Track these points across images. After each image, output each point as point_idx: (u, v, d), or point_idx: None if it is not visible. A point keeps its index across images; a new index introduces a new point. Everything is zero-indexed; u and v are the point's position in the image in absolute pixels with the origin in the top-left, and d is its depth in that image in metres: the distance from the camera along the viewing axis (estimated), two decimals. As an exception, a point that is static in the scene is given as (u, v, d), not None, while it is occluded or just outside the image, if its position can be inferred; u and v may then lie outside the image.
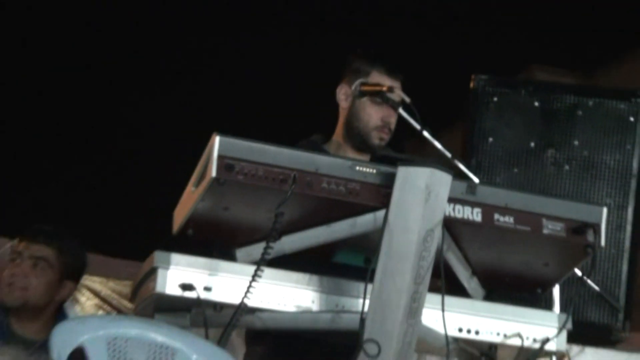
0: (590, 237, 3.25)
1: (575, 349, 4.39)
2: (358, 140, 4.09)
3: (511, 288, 3.51)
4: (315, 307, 3.20)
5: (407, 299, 2.83)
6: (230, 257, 3.22)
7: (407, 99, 3.95)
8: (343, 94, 4.13)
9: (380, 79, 4.08)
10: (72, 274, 4.60)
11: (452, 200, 3.03)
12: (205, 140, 3.14)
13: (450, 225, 3.11)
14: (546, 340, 3.31)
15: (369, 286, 2.90)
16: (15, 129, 11.43)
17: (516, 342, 3.35)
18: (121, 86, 9.83)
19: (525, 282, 3.49)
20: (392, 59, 4.23)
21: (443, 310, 3.14)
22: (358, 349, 2.84)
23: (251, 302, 3.06)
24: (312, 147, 3.76)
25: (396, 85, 4.08)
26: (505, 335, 3.34)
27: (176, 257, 3.11)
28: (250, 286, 3.01)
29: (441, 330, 3.17)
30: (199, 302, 3.11)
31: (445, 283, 3.16)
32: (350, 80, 4.14)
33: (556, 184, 4.14)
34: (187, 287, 3.08)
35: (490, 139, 4.38)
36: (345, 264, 3.40)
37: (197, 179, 3.15)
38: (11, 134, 11.73)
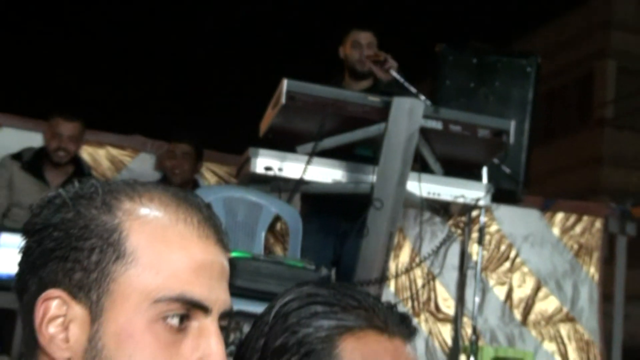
0: (504, 138, 4.38)
1: (494, 205, 5.10)
2: (353, 74, 4.83)
3: (459, 168, 4.61)
4: (344, 180, 4.32)
5: (399, 175, 3.90)
6: (294, 150, 4.32)
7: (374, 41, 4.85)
8: (342, 52, 4.92)
9: (356, 34, 4.88)
10: (199, 159, 5.51)
11: (424, 116, 4.05)
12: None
13: (423, 131, 4.11)
14: (479, 199, 4.49)
15: (376, 168, 4.00)
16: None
17: (461, 200, 4.52)
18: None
19: (467, 165, 4.66)
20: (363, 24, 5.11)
21: (420, 181, 4.25)
22: (370, 204, 3.90)
23: (306, 177, 4.19)
24: (338, 85, 4.64)
25: (364, 35, 4.90)
26: (455, 196, 4.49)
27: (262, 151, 4.25)
28: (305, 167, 4.16)
29: (417, 193, 4.27)
30: (275, 177, 4.24)
31: (420, 165, 4.25)
32: (344, 42, 4.93)
33: (485, 108, 5.01)
34: (268, 168, 4.21)
35: (447, 82, 5.24)
36: (362, 155, 4.35)
37: (274, 103, 4.27)
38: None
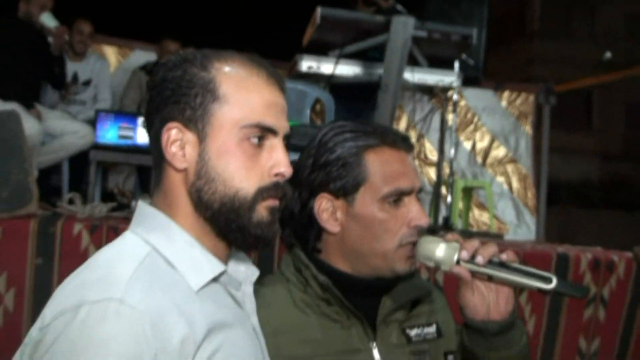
0: (469, 41, 4.25)
1: (463, 87, 4.94)
2: (365, 1, 4.61)
3: (438, 62, 4.41)
4: (361, 73, 4.26)
5: (398, 68, 3.73)
6: (327, 55, 4.19)
7: None
8: None
9: None
10: None
11: (414, 28, 3.79)
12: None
13: (413, 38, 3.86)
14: (452, 83, 4.41)
15: (383, 64, 3.80)
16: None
17: (441, 83, 4.42)
18: None
19: (444, 59, 4.42)
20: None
21: (412, 71, 4.18)
22: (379, 88, 3.76)
23: (336, 72, 4.13)
24: (353, 9, 4.53)
25: None
26: (436, 81, 4.39)
27: (305, 56, 4.18)
28: (335, 66, 4.11)
29: (410, 79, 4.24)
30: (315, 74, 4.19)
31: (412, 61, 4.08)
32: None
33: (456, 20, 4.70)
34: (310, 67, 4.12)
35: (429, 6, 5.07)
36: (373, 56, 4.18)
37: (312, 23, 4.14)
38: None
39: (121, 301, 0.84)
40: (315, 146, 1.29)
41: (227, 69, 1.01)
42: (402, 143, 1.28)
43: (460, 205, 4.94)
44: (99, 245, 2.72)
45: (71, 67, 4.59)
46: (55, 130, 4.09)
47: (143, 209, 1.02)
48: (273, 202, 1.01)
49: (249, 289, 1.07)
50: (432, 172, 5.71)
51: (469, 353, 1.23)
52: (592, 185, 18.00)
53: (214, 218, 0.99)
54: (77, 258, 2.63)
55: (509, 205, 6.05)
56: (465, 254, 1.15)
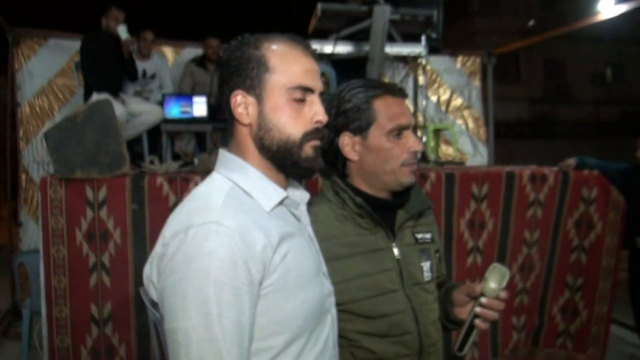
0: (432, 19, 4.06)
1: (429, 55, 4.67)
2: None
3: (410, 37, 4.27)
4: (353, 50, 4.14)
5: (380, 44, 3.63)
6: (327, 38, 4.08)
7: None
8: None
9: None
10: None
11: (391, 13, 3.71)
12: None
13: (391, 20, 3.73)
14: (420, 52, 4.29)
15: (369, 42, 3.71)
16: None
17: (412, 53, 4.27)
18: None
19: (414, 35, 4.29)
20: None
21: (391, 47, 4.00)
22: (367, 60, 3.65)
23: (335, 51, 4.04)
24: (343, 2, 4.11)
25: None
26: (409, 52, 4.27)
27: (312, 40, 3.97)
28: (334, 46, 4.01)
29: (390, 52, 4.04)
30: (319, 53, 3.97)
31: (390, 37, 3.87)
32: None
33: (420, 4, 4.18)
34: (315, 49, 4.17)
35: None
36: (361, 37, 4.05)
37: (315, 15, 3.94)
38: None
39: (218, 223, 0.87)
40: (336, 99, 1.30)
41: (274, 46, 1.00)
42: (399, 92, 1.30)
43: (432, 143, 4.89)
44: (175, 193, 2.75)
45: (140, 65, 4.51)
46: (135, 111, 4.04)
47: (223, 155, 1.04)
48: (315, 142, 1.02)
49: (303, 208, 1.09)
50: (409, 121, 5.59)
51: (444, 307, 1.32)
52: (523, 122, 17.91)
53: (274, 157, 1.00)
54: (161, 202, 2.71)
55: (467, 140, 5.97)
56: (486, 301, 1.18)
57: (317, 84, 1.02)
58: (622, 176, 3.63)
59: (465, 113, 5.99)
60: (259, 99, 0.99)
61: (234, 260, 0.85)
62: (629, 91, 16.82)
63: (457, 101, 6.00)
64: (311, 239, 1.08)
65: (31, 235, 4.34)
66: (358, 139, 1.27)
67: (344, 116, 1.27)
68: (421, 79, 4.99)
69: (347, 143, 1.27)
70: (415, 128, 1.35)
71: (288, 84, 0.99)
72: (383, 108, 1.26)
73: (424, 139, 4.77)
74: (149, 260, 0.95)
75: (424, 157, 4.28)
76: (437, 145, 5.12)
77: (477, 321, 1.18)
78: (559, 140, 14.56)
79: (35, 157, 4.31)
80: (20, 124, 4.69)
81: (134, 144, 4.17)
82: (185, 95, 4.36)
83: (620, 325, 4.13)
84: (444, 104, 5.94)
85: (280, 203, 1.01)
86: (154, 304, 0.96)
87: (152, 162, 3.08)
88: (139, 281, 2.61)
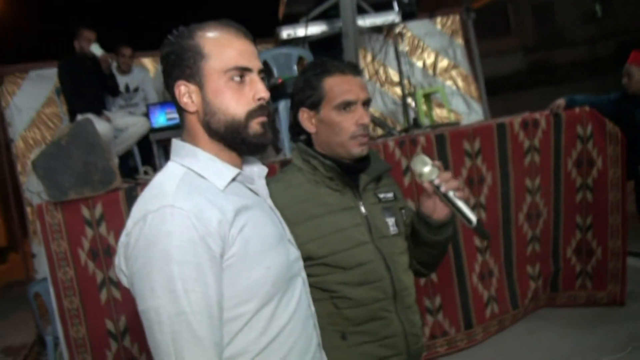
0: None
1: (406, 22, 4.78)
2: None
3: (381, 7, 4.24)
4: (326, 29, 4.12)
5: (352, 19, 3.54)
6: (298, 22, 4.09)
7: None
8: None
9: None
10: None
11: None
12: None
13: None
14: (394, 19, 4.21)
15: (341, 19, 3.65)
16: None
17: (387, 22, 4.18)
18: None
19: (386, 4, 4.24)
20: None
21: (364, 19, 4.16)
22: (341, 36, 3.63)
23: (308, 33, 4.05)
24: None
25: None
26: (383, 21, 4.15)
27: (283, 27, 4.05)
28: (306, 28, 4.01)
29: (363, 25, 4.08)
30: (294, 38, 4.05)
31: (360, 15, 3.91)
32: None
33: None
34: (289, 35, 3.97)
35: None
36: (332, 15, 4.04)
37: (282, 2, 4.02)
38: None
39: (172, 206, 0.93)
40: (299, 77, 1.43)
41: (207, 34, 1.03)
42: (349, 69, 1.38)
43: (424, 108, 4.86)
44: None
45: (122, 80, 4.54)
46: (121, 126, 4.11)
47: (176, 143, 1.08)
48: (262, 119, 1.05)
49: (262, 182, 1.14)
50: (398, 90, 5.53)
51: (415, 230, 1.42)
52: (520, 73, 17.67)
53: (223, 138, 1.04)
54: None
55: (460, 100, 5.93)
56: (437, 180, 1.30)
57: (254, 64, 1.05)
58: (613, 106, 3.58)
59: (454, 73, 5.94)
60: (201, 86, 1.03)
61: (192, 239, 0.90)
62: (622, 23, 16.50)
63: (444, 62, 5.95)
64: (272, 209, 1.13)
65: (45, 264, 4.38)
66: (313, 113, 1.38)
67: (301, 93, 1.39)
68: (401, 46, 4.95)
69: (305, 117, 1.39)
70: (368, 102, 1.41)
71: (224, 67, 1.02)
72: (333, 85, 1.36)
73: (414, 105, 4.74)
74: (117, 251, 1.01)
75: (415, 124, 4.26)
76: (430, 109, 5.10)
77: (451, 194, 1.29)
78: (559, 86, 14.34)
79: (30, 187, 4.36)
80: (17, 160, 4.79)
81: (126, 158, 4.22)
82: (169, 101, 4.38)
83: (637, 257, 4.09)
84: (431, 68, 5.89)
85: (234, 180, 1.05)
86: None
87: (146, 173, 3.11)
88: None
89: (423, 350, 1.44)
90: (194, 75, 1.03)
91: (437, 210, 1.35)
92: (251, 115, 1.03)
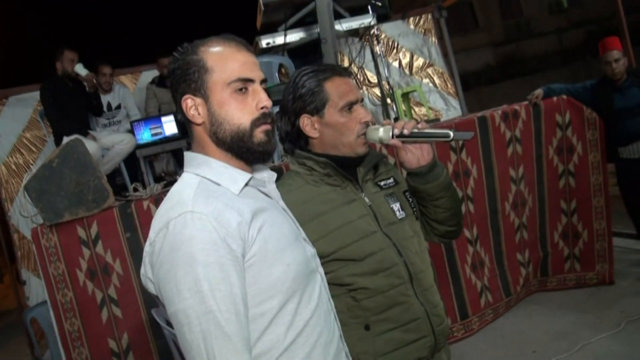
0: None
1: (380, 24, 4.70)
2: None
3: (357, 10, 4.22)
4: (304, 36, 4.08)
5: (329, 23, 3.55)
6: (276, 30, 4.04)
7: None
8: None
9: None
10: None
11: None
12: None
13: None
14: (371, 22, 4.18)
15: (318, 25, 3.60)
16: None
17: (363, 25, 4.18)
18: None
19: (361, 7, 4.20)
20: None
21: (341, 24, 4.02)
22: (320, 42, 3.56)
23: (287, 41, 4.01)
24: None
25: None
26: (359, 24, 4.16)
27: (263, 36, 4.00)
28: (285, 36, 3.96)
29: (341, 29, 4.02)
30: (273, 46, 4.00)
31: (337, 19, 3.92)
32: None
33: None
34: (268, 43, 3.90)
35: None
36: (309, 21, 4.02)
37: (259, 10, 3.92)
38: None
39: (192, 211, 0.96)
40: (291, 86, 1.44)
41: (209, 49, 1.08)
42: (344, 72, 1.44)
43: (403, 107, 4.93)
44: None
45: (104, 99, 4.53)
46: (107, 144, 4.09)
47: (188, 155, 1.12)
48: (266, 127, 1.09)
49: (272, 186, 1.18)
50: (377, 91, 5.60)
51: (415, 189, 1.46)
52: (491, 67, 17.97)
53: (230, 148, 1.08)
54: (153, 224, 2.72)
55: (437, 97, 6.02)
56: (396, 131, 1.35)
57: (257, 74, 1.09)
58: (591, 93, 3.71)
59: (430, 71, 6.02)
60: (206, 98, 1.07)
61: (214, 240, 0.94)
62: (588, 11, 16.90)
63: (419, 61, 6.03)
64: (285, 210, 1.17)
65: (36, 289, 4.37)
66: (316, 118, 1.40)
67: (301, 100, 1.40)
68: (378, 48, 5.00)
69: (307, 123, 1.41)
70: (362, 101, 1.47)
71: (227, 79, 1.06)
72: (333, 88, 1.39)
73: (394, 106, 4.80)
74: (142, 261, 1.04)
75: (397, 123, 4.31)
76: (409, 108, 5.16)
77: (416, 131, 1.34)
78: (530, 77, 14.62)
79: (22, 212, 4.30)
80: (0, 186, 4.70)
81: (114, 176, 4.20)
82: (153, 117, 4.40)
83: (622, 237, 4.21)
84: (407, 67, 5.96)
85: (248, 185, 1.09)
86: (169, 323, 1.04)
87: (136, 189, 3.10)
88: (149, 305, 2.69)
89: (448, 332, 1.46)
90: (199, 89, 1.07)
91: (418, 157, 1.40)
92: (255, 123, 1.07)
